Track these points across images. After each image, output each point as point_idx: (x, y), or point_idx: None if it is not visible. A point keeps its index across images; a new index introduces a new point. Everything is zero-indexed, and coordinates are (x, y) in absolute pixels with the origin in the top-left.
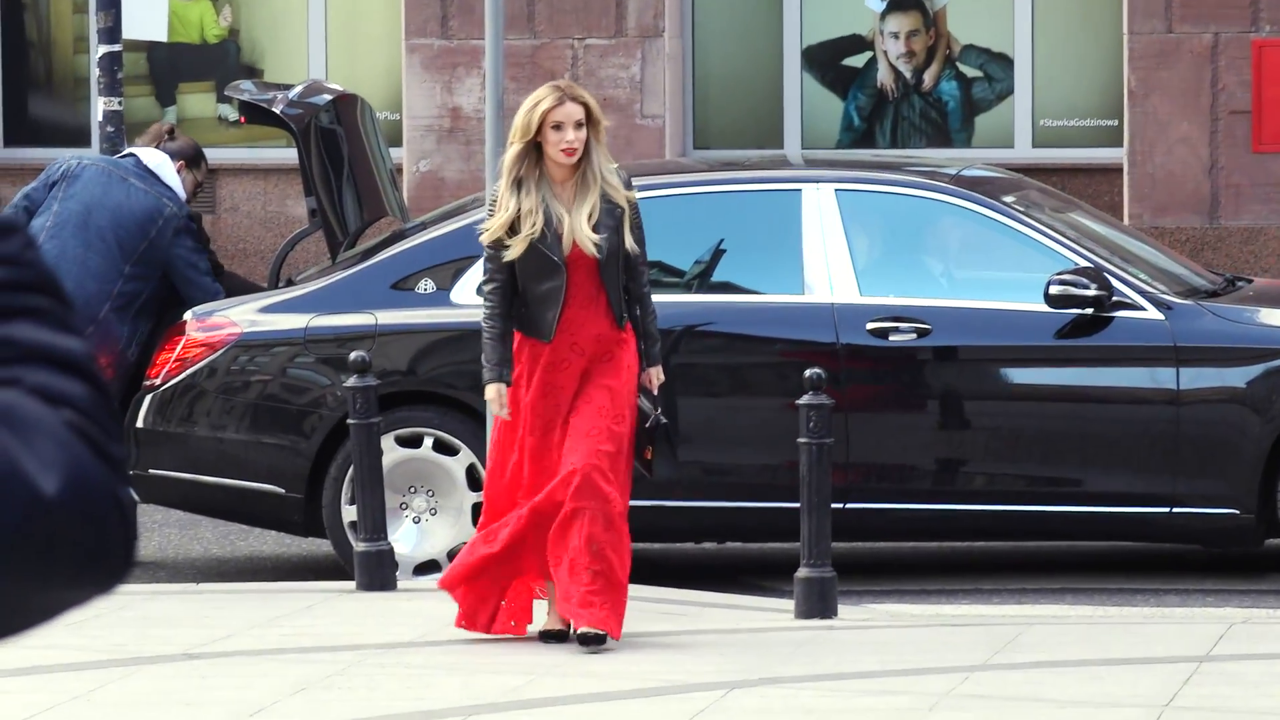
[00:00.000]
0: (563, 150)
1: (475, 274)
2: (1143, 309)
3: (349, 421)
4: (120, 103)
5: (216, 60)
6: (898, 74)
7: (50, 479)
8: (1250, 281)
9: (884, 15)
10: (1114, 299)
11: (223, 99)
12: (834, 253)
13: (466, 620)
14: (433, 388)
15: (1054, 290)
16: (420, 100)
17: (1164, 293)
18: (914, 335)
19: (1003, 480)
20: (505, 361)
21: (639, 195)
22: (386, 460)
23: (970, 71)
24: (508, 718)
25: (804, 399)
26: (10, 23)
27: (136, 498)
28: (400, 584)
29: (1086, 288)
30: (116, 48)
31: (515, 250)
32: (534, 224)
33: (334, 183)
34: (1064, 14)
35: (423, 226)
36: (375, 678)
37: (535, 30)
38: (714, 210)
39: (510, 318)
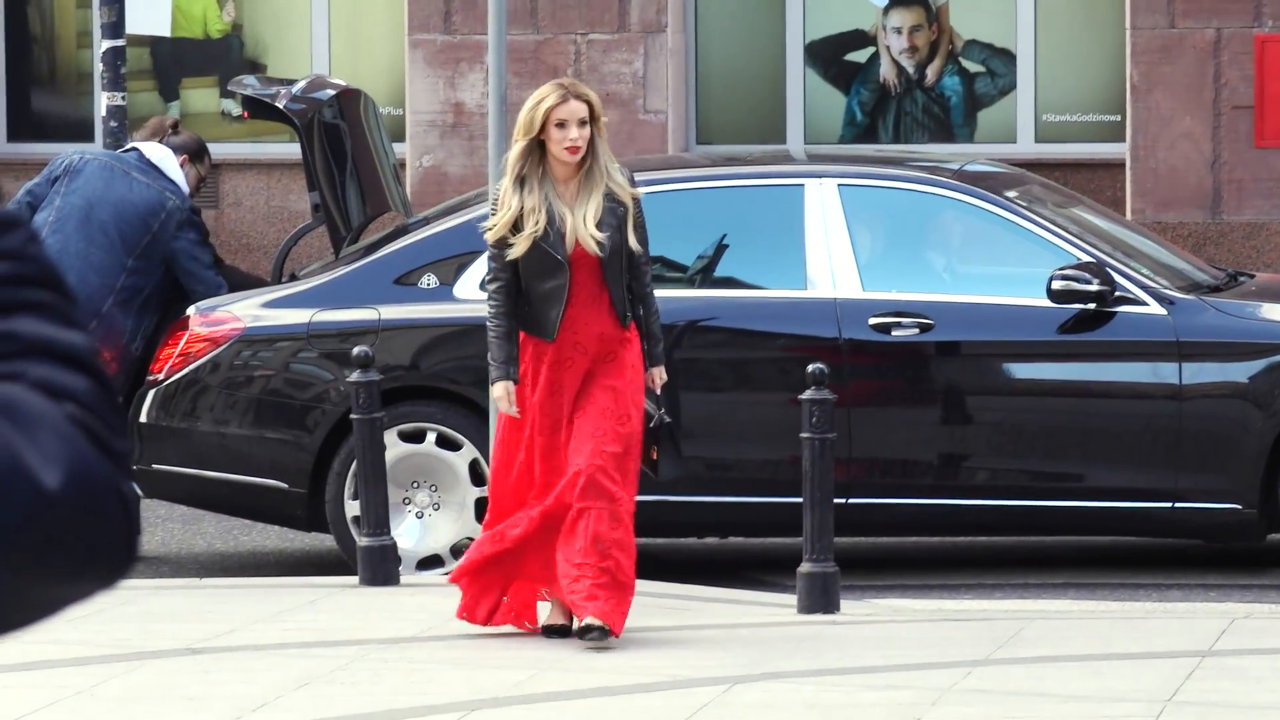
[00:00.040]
0: (566, 148)
1: (478, 269)
2: (1145, 304)
3: (352, 416)
4: (124, 98)
5: (220, 55)
6: (900, 69)
7: (52, 473)
8: (1252, 276)
9: (887, 10)
10: (1116, 294)
11: (226, 94)
12: (836, 248)
13: (466, 612)
14: (436, 383)
15: (1056, 285)
16: (423, 95)
17: (1166, 288)
18: (916, 330)
19: (1005, 475)
20: (512, 359)
21: (641, 191)
22: (389, 455)
23: (973, 66)
24: (510, 712)
25: (806, 394)
26: (14, 17)
27: (139, 492)
28: (403, 579)
29: (1089, 283)
30: (120, 42)
31: (518, 248)
32: (537, 222)
33: (337, 178)
34: (1066, 9)
35: (425, 222)
36: (378, 672)
37: (538, 25)
38: (717, 205)
39: (515, 316)
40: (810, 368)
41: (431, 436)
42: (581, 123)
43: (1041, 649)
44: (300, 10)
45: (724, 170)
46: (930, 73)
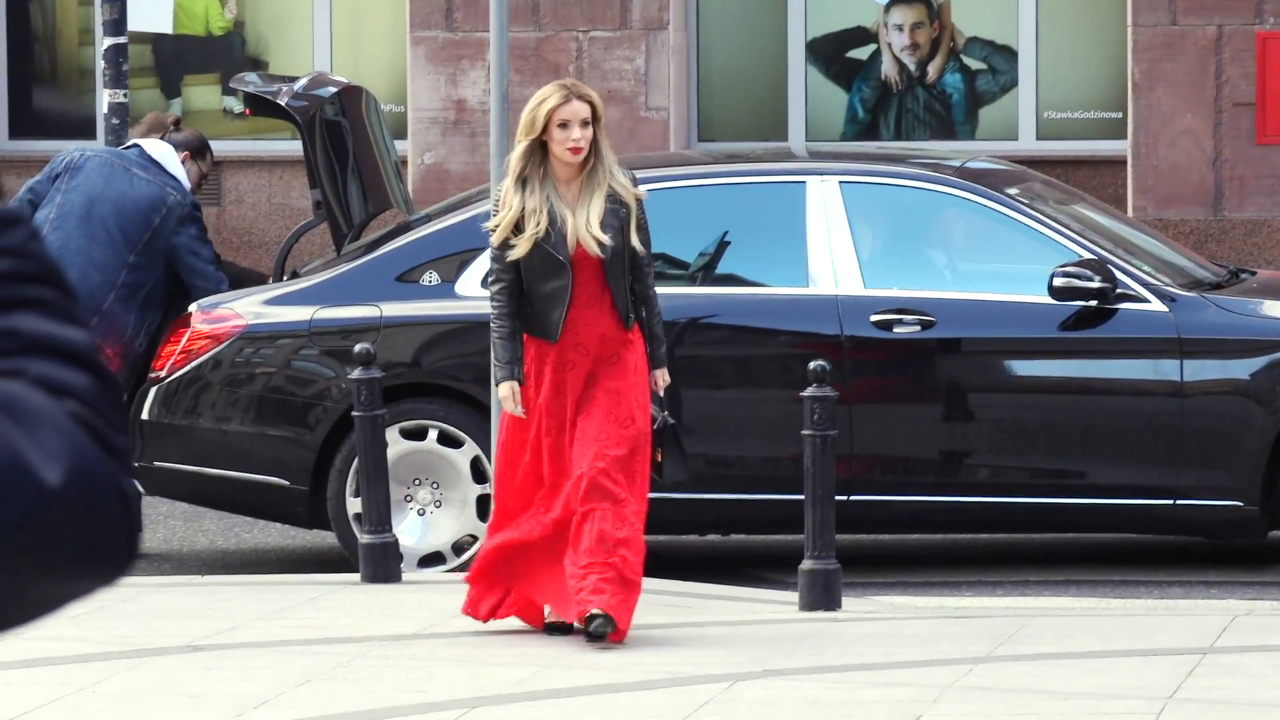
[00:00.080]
0: (569, 149)
1: (480, 266)
2: (1146, 301)
3: (354, 414)
4: (125, 95)
5: (221, 52)
6: (902, 66)
7: (53, 470)
8: (1254, 274)
9: (888, 8)
10: (1118, 291)
11: (228, 91)
12: (838, 245)
13: (470, 608)
14: (437, 380)
15: (1058, 282)
16: (425, 92)
17: (1168, 285)
18: (918, 327)
19: (1006, 472)
20: (516, 360)
21: (643, 190)
22: (391, 452)
23: (974, 64)
24: (512, 710)
25: (808, 391)
26: (15, 15)
27: (140, 489)
28: (405, 576)
29: (1090, 280)
30: (122, 40)
31: (520, 250)
32: (538, 223)
33: (339, 175)
34: (1068, 6)
35: (427, 219)
36: (380, 669)
37: (540, 23)
38: (718, 203)
39: (518, 316)
40: (812, 365)
41: (433, 433)
42: (584, 123)
43: (1042, 646)
44: (302, 7)
45: (726, 167)
46: (932, 70)
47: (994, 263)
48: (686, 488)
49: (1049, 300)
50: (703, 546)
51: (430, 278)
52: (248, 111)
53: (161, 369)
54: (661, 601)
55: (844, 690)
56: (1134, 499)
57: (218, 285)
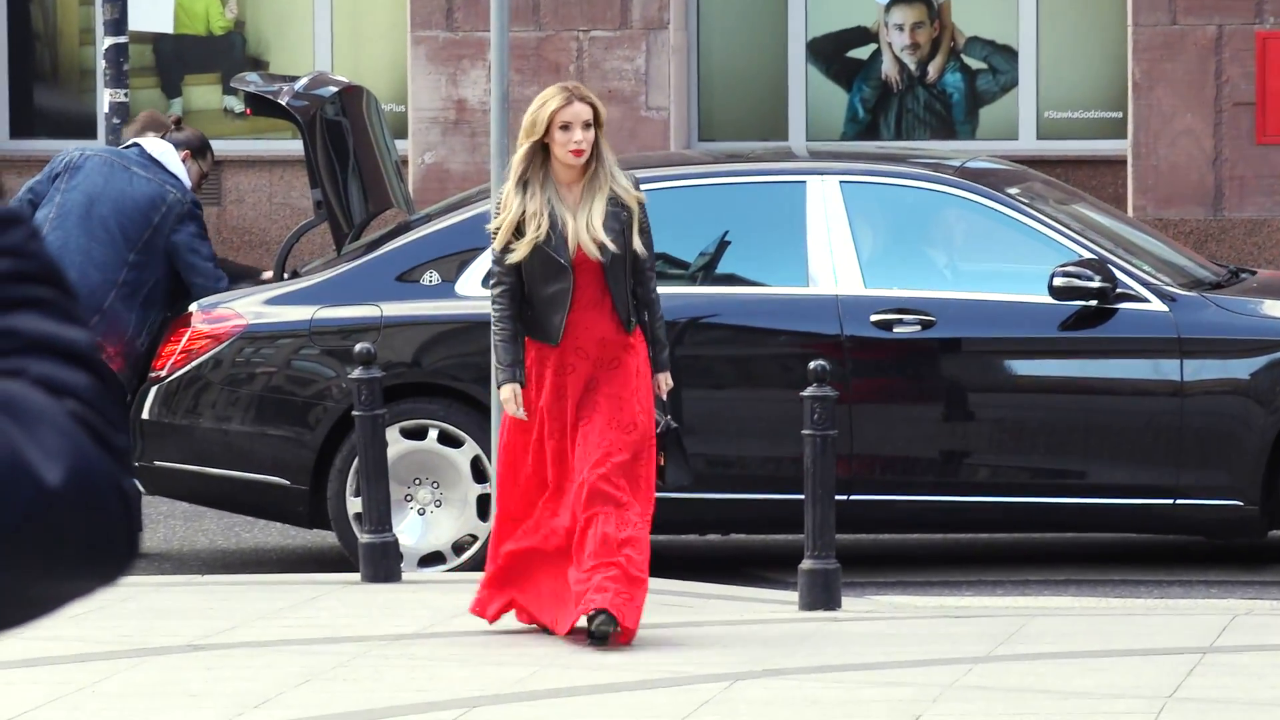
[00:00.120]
0: (571, 150)
1: (480, 265)
2: (1147, 301)
3: (354, 413)
4: (126, 94)
5: (222, 52)
6: (902, 66)
7: (53, 469)
8: (1254, 273)
9: (889, 7)
10: (1118, 291)
11: (229, 91)
12: (838, 245)
13: (479, 606)
14: (438, 379)
15: (1058, 282)
16: (425, 92)
17: (1168, 284)
18: (918, 327)
19: (1006, 472)
20: (518, 362)
21: (644, 191)
22: (391, 452)
23: (975, 64)
24: (512, 709)
25: (808, 391)
26: (16, 14)
27: (140, 488)
28: (405, 576)
29: (1090, 279)
30: (122, 39)
31: (520, 253)
32: (539, 226)
33: (339, 175)
34: (1068, 6)
35: (428, 218)
36: (380, 669)
37: (540, 22)
38: (719, 202)
39: (519, 319)
40: (812, 364)
41: (433, 433)
42: (586, 125)
43: (1043, 646)
44: (302, 7)
45: (726, 167)
46: (932, 69)
47: (994, 262)
48: (687, 487)
49: (1049, 300)
50: (703, 546)
51: (430, 277)
52: (248, 111)
53: (162, 368)
54: (661, 601)
55: (844, 690)
56: (1134, 499)
57: (216, 283)
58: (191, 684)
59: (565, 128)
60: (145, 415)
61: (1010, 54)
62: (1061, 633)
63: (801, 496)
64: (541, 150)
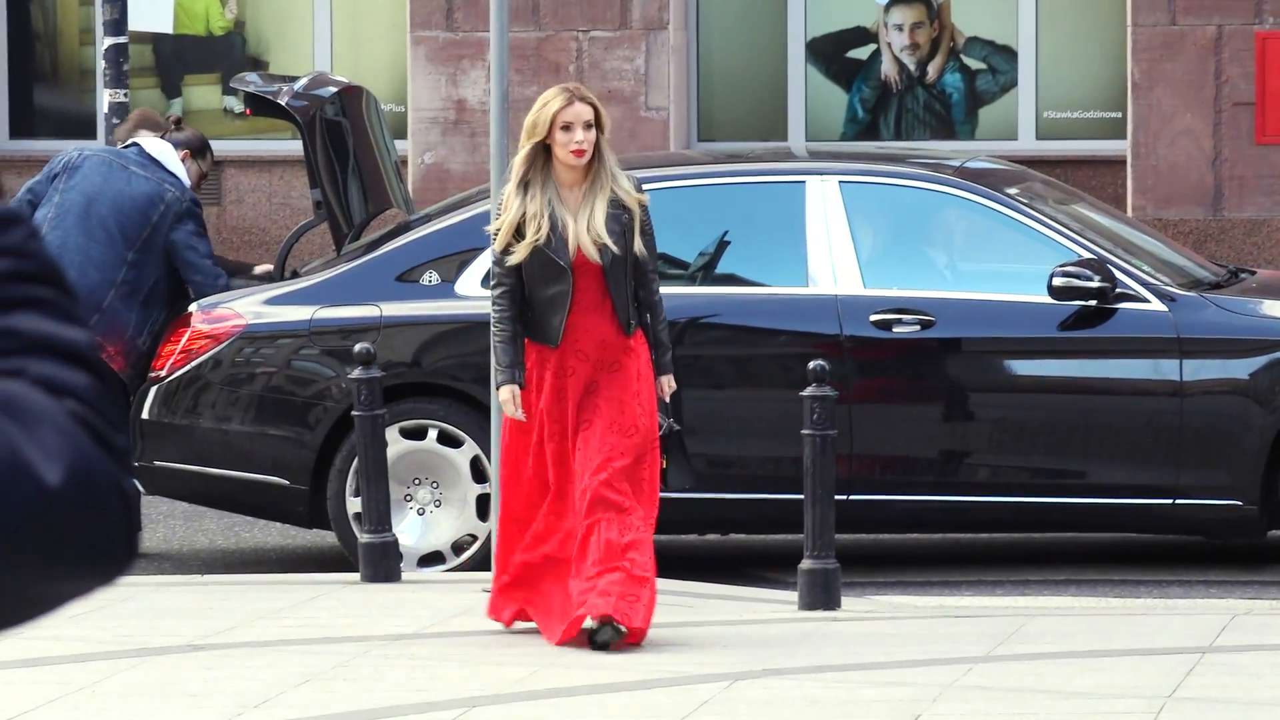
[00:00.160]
0: (572, 151)
1: (480, 266)
2: (1146, 301)
3: (354, 413)
4: (126, 95)
5: (222, 52)
6: (902, 66)
7: (53, 469)
8: (1253, 273)
9: (888, 8)
10: (1117, 291)
11: (228, 91)
12: (838, 245)
13: (492, 610)
14: (437, 379)
15: (1057, 282)
16: (425, 92)
17: (1167, 284)
18: (918, 327)
19: (1006, 472)
20: (517, 363)
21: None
22: (391, 452)
23: (974, 64)
24: (512, 709)
25: (808, 390)
26: (16, 14)
27: (140, 488)
28: (405, 576)
29: (1090, 279)
30: (122, 39)
31: (520, 254)
32: (539, 228)
33: (339, 175)
34: (1068, 6)
35: (427, 219)
36: (380, 669)
37: (540, 23)
38: (718, 202)
39: (519, 320)
40: (811, 364)
41: (433, 433)
42: (587, 125)
43: (1042, 645)
44: (302, 7)
45: (726, 167)
46: (931, 70)
47: (994, 262)
48: (688, 489)
49: (1049, 300)
50: (703, 546)
51: (430, 277)
52: (248, 111)
53: (161, 368)
54: (661, 601)
55: (843, 690)
56: (1134, 498)
57: (214, 281)
58: (191, 684)
59: (566, 128)
60: (145, 415)
61: (1010, 54)
62: (1061, 633)
63: (801, 496)
64: (543, 152)
